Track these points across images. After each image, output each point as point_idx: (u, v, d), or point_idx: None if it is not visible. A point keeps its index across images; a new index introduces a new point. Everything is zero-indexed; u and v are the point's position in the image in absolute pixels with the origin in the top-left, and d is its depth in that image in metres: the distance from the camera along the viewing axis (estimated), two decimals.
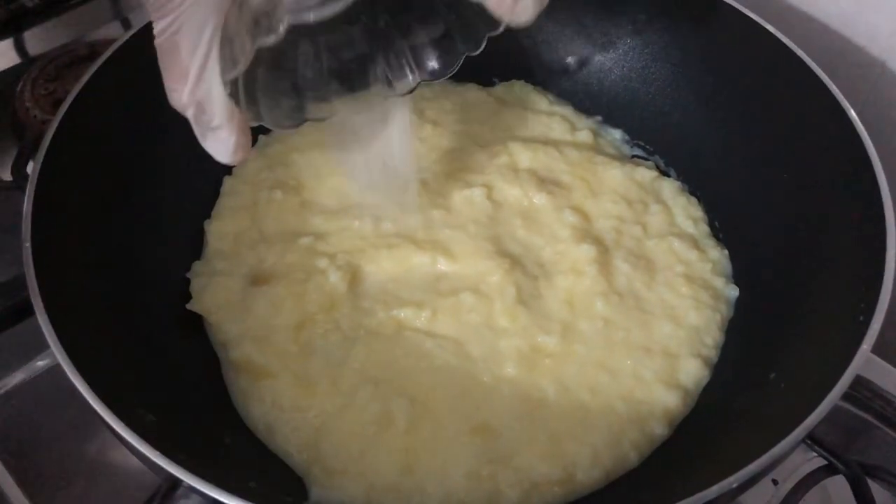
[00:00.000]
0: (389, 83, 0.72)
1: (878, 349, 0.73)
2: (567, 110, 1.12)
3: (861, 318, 0.72)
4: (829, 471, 0.87)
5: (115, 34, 0.92)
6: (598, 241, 0.94)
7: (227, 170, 1.01)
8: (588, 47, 1.12)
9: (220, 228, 0.96)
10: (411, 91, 0.73)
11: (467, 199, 0.97)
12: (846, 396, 0.70)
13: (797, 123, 0.92)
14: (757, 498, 0.88)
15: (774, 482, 0.90)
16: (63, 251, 0.79)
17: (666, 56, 1.07)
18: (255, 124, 0.71)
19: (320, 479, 0.77)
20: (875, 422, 0.92)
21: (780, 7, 1.11)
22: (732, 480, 0.63)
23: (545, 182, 0.99)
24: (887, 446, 0.93)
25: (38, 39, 1.30)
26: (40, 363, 0.93)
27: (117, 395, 0.67)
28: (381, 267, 0.92)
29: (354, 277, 0.91)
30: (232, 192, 1.00)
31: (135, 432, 0.64)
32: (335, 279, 0.89)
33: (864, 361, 0.70)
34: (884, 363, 0.95)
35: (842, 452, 0.87)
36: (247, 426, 0.82)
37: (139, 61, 0.92)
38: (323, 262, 0.91)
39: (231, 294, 0.89)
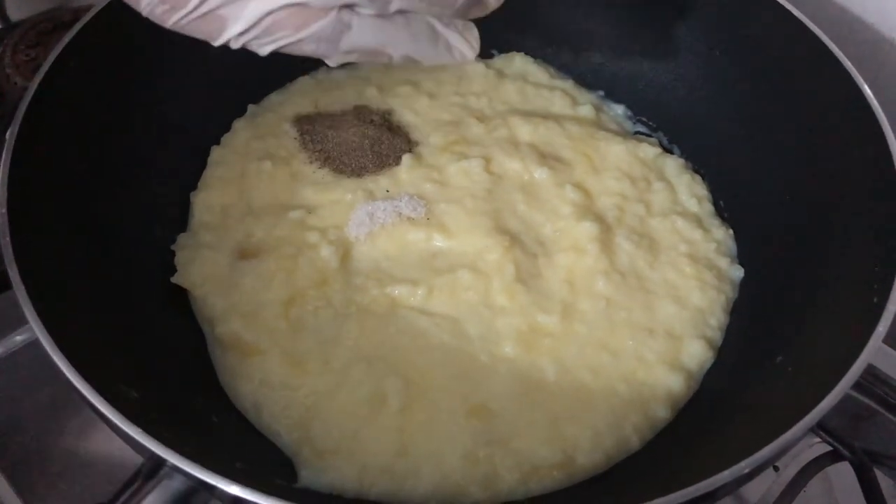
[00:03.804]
0: None
1: None
2: (568, 84, 1.09)
3: (875, 299, 0.70)
4: (833, 457, 0.85)
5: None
6: (599, 219, 0.91)
7: (216, 139, 0.98)
8: (589, 19, 1.09)
9: (207, 200, 0.93)
10: None
11: (464, 170, 0.94)
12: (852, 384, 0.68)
13: (807, 99, 0.89)
14: (757, 485, 0.85)
15: (775, 468, 0.88)
16: (41, 221, 0.75)
17: (671, 29, 1.03)
18: None
19: (310, 460, 0.75)
20: (879, 408, 0.91)
21: None
22: (744, 466, 0.60)
23: (546, 157, 0.97)
24: (890, 433, 0.91)
25: (20, 4, 1.26)
26: (18, 338, 0.90)
27: (98, 371, 0.64)
28: (375, 242, 0.89)
29: (347, 253, 0.88)
30: (220, 163, 0.96)
31: (116, 409, 0.61)
32: (327, 254, 0.86)
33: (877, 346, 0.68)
34: (888, 349, 0.93)
35: (846, 438, 0.85)
36: (234, 405, 0.80)
37: (121, 26, 0.89)
38: (314, 237, 0.88)
39: (218, 268, 0.86)
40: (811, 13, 0.90)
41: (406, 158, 0.96)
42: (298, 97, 1.04)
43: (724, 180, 0.98)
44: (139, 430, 0.60)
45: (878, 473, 0.84)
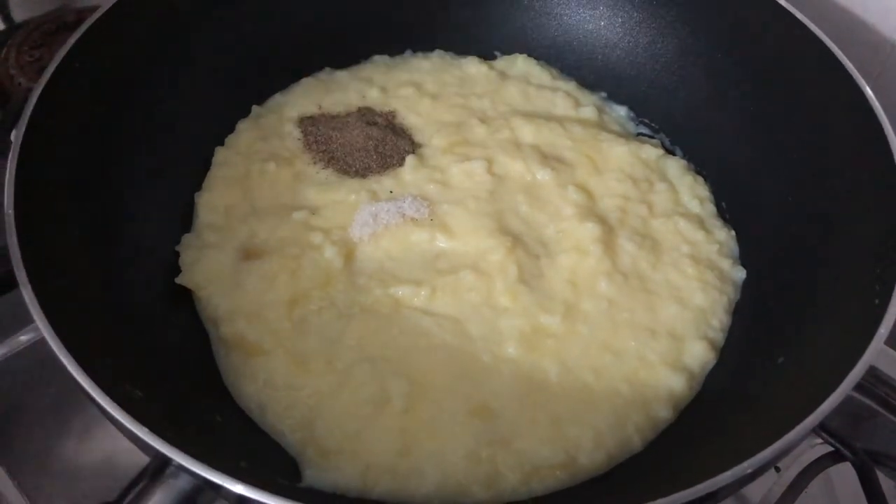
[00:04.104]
0: None
1: None
2: (571, 86, 1.09)
3: (876, 301, 0.70)
4: (834, 458, 0.86)
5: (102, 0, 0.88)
6: (602, 220, 0.91)
7: (220, 140, 0.99)
8: (593, 20, 1.09)
9: (211, 200, 0.93)
10: None
11: (467, 172, 0.95)
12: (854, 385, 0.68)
13: (809, 100, 0.90)
14: (759, 485, 0.86)
15: (777, 469, 0.88)
16: (47, 221, 0.76)
17: (674, 31, 1.04)
18: None
19: (314, 459, 0.75)
20: (880, 409, 0.91)
21: None
22: (746, 466, 0.61)
23: (548, 158, 0.97)
24: (892, 434, 0.91)
25: (24, 5, 1.26)
26: (23, 338, 0.90)
27: (104, 371, 0.64)
28: (378, 243, 0.89)
29: (350, 253, 0.88)
30: (224, 164, 0.96)
31: (123, 409, 0.61)
32: (330, 255, 0.87)
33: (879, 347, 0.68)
34: (890, 350, 0.93)
35: (848, 439, 0.85)
36: (238, 405, 0.80)
37: (125, 27, 0.90)
38: (317, 237, 0.89)
39: (222, 268, 0.86)
40: (813, 15, 0.90)
41: (409, 159, 0.96)
42: (302, 98, 1.04)
43: (726, 182, 0.98)
44: (146, 429, 0.60)
45: (880, 474, 0.84)
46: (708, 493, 0.60)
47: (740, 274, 0.91)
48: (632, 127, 1.07)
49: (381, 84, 1.06)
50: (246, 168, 0.96)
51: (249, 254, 0.89)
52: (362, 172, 0.95)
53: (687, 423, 0.80)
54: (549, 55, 1.11)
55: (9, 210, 0.71)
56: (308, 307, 0.84)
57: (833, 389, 0.64)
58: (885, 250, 0.74)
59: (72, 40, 0.84)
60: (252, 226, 0.91)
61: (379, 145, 0.97)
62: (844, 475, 0.86)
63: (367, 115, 1.02)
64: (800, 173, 0.89)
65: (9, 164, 0.74)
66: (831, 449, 0.86)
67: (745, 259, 0.93)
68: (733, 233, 0.95)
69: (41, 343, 0.65)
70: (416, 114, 1.03)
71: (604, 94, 1.09)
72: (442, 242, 0.89)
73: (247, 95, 1.03)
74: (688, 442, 0.77)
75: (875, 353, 0.66)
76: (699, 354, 0.83)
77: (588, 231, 0.89)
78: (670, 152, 1.04)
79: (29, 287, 0.67)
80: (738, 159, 0.97)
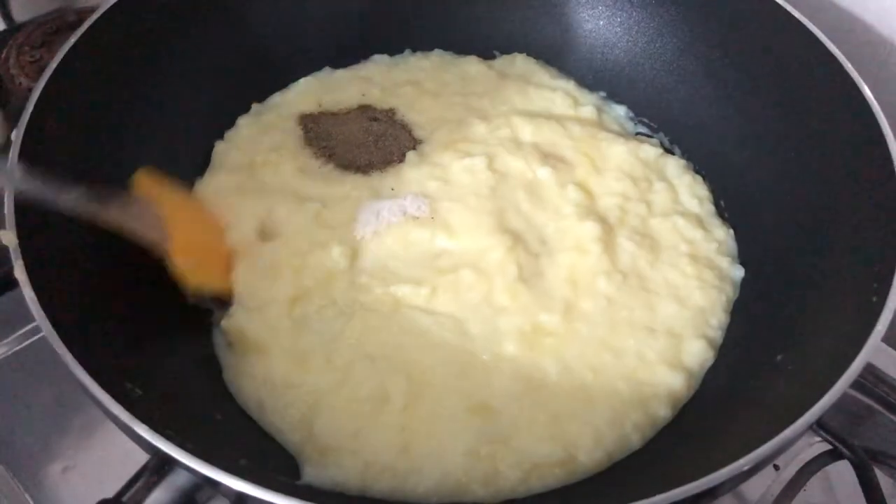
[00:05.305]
0: None
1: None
2: (570, 85, 1.09)
3: (874, 298, 0.70)
4: (833, 456, 0.86)
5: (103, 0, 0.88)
6: (601, 219, 0.92)
7: (219, 135, 0.99)
8: (592, 19, 1.10)
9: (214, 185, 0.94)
10: None
11: (468, 168, 0.95)
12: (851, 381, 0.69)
13: (807, 100, 0.90)
14: (757, 483, 0.86)
15: (776, 467, 0.88)
16: (47, 219, 0.76)
17: (672, 30, 1.04)
18: None
19: (313, 457, 0.75)
20: (879, 407, 0.92)
21: None
22: (743, 463, 0.61)
23: (548, 157, 0.97)
24: (890, 432, 0.91)
25: (25, 5, 1.27)
26: (23, 336, 0.91)
27: (104, 369, 0.65)
28: (380, 241, 0.89)
29: (353, 251, 0.88)
30: (225, 155, 0.97)
31: (123, 407, 0.61)
32: (336, 253, 0.87)
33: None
34: (889, 349, 0.93)
35: (846, 437, 0.85)
36: (238, 402, 0.80)
37: (125, 27, 0.90)
38: (323, 234, 0.89)
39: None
40: (812, 14, 0.90)
41: (410, 155, 0.97)
42: (302, 97, 1.05)
43: (725, 181, 0.98)
44: (146, 427, 0.60)
45: (878, 472, 0.84)
46: (706, 490, 0.60)
47: (739, 272, 0.91)
48: (631, 126, 1.08)
49: (381, 83, 1.06)
50: (249, 158, 0.96)
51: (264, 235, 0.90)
52: (363, 169, 0.96)
53: (685, 422, 0.80)
54: (549, 55, 1.12)
55: (10, 208, 0.71)
56: (309, 305, 0.84)
57: (830, 387, 0.65)
58: (883, 248, 0.74)
59: (72, 40, 0.84)
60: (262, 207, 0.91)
61: (379, 140, 0.97)
62: (843, 473, 0.86)
63: (367, 112, 1.02)
64: (798, 172, 0.89)
65: (9, 163, 0.74)
66: (830, 447, 0.86)
67: (743, 257, 0.93)
68: (732, 231, 0.95)
69: (41, 341, 0.66)
70: (416, 111, 1.03)
71: (603, 94, 1.10)
72: (442, 241, 0.89)
73: (247, 95, 1.03)
74: (686, 440, 0.78)
75: (872, 350, 0.67)
76: (698, 353, 0.84)
77: (587, 230, 0.90)
78: (669, 151, 1.04)
79: (29, 285, 0.67)
80: (736, 158, 0.97)
